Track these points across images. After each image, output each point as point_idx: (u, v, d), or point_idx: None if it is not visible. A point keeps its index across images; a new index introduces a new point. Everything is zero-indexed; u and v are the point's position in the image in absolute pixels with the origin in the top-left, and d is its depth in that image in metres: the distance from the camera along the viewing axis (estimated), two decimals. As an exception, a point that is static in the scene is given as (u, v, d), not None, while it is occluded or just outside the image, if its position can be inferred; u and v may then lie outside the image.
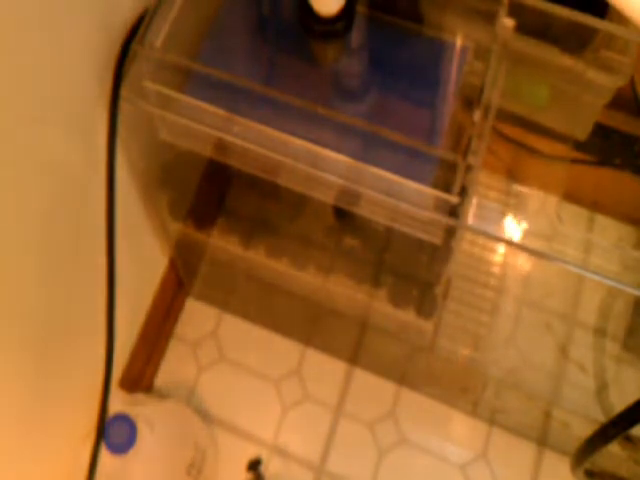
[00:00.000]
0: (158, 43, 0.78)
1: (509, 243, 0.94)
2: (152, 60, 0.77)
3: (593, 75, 0.87)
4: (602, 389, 1.14)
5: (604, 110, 0.92)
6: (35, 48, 0.66)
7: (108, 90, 0.78)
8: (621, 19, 0.74)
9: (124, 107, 0.79)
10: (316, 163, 0.75)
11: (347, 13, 0.78)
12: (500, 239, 0.88)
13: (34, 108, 0.69)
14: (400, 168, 0.74)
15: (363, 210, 0.79)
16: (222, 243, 1.09)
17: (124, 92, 0.78)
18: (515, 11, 0.80)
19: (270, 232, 1.09)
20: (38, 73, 0.68)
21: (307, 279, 1.06)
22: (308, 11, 0.77)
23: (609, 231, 1.13)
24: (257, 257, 1.07)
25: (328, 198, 0.81)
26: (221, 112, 0.76)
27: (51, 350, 0.88)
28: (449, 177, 0.73)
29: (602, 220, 1.13)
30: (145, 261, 1.12)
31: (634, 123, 1.01)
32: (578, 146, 1.00)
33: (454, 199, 0.72)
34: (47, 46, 0.68)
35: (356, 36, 0.82)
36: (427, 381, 1.23)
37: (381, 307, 1.03)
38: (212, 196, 1.13)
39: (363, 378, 1.26)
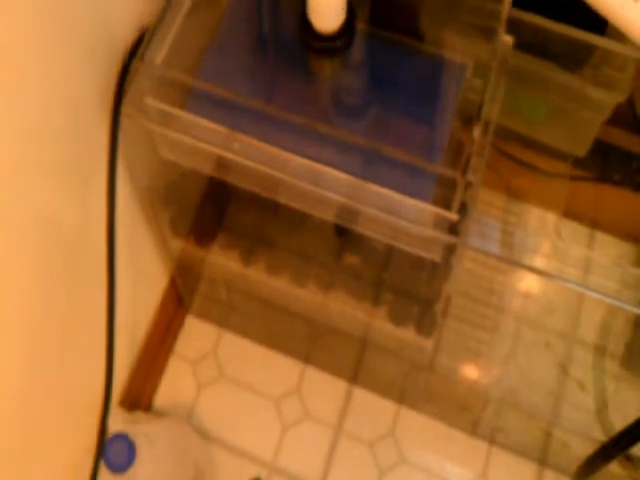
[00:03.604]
0: (159, 60, 0.78)
1: (509, 261, 0.94)
2: (153, 77, 0.77)
3: (592, 92, 0.87)
4: (602, 408, 1.14)
5: (603, 127, 0.92)
6: (35, 65, 0.66)
7: (110, 107, 0.79)
8: (620, 36, 0.74)
9: (125, 124, 0.79)
10: (316, 180, 0.76)
11: (347, 30, 0.78)
12: (500, 257, 0.88)
13: (36, 124, 0.70)
14: (400, 185, 0.74)
15: (363, 227, 0.79)
16: (222, 259, 1.09)
17: (125, 109, 0.78)
18: (514, 28, 0.80)
19: (270, 248, 1.09)
20: (38, 90, 0.68)
21: (307, 296, 1.06)
22: (308, 28, 0.77)
23: (609, 248, 1.13)
24: (257, 273, 1.07)
25: (328, 215, 0.81)
26: (222, 129, 0.76)
27: (50, 368, 0.88)
28: (449, 194, 0.73)
29: (602, 237, 1.13)
30: (145, 278, 1.12)
31: (633, 140, 1.02)
32: (577, 163, 1.00)
33: (454, 216, 0.72)
34: (47, 62, 0.68)
35: (356, 53, 0.82)
36: (427, 400, 1.22)
37: (381, 325, 1.03)
38: (213, 212, 1.13)
39: (363, 397, 1.26)
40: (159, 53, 0.78)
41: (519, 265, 0.89)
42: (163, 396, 1.26)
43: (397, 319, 1.01)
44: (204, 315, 1.29)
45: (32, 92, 0.67)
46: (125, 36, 0.79)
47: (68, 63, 0.72)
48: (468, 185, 0.73)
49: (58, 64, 0.70)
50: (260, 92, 0.83)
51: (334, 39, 0.77)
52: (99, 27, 0.75)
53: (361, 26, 0.82)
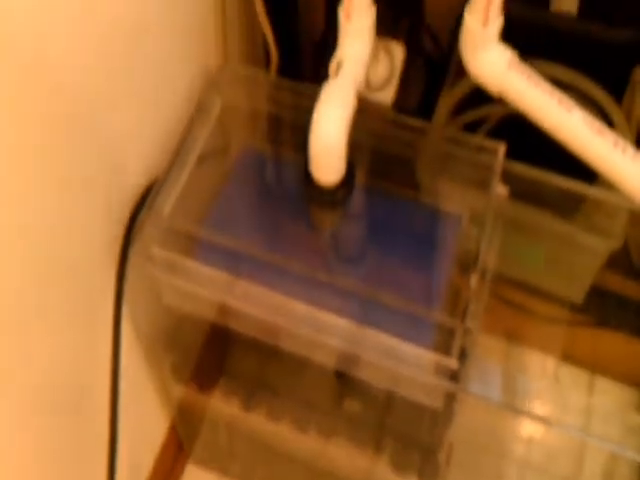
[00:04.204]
0: (167, 210, 0.81)
1: (510, 408, 0.94)
2: (160, 227, 0.79)
3: (585, 239, 0.89)
4: None
5: (600, 272, 0.93)
6: (47, 214, 0.69)
7: (117, 254, 0.81)
8: (611, 184, 0.76)
9: (131, 271, 0.81)
10: (316, 327, 0.77)
11: (347, 182, 0.81)
12: (501, 404, 0.88)
13: (44, 269, 0.71)
14: (399, 332, 0.75)
15: (363, 373, 0.79)
16: (223, 405, 1.09)
17: (132, 257, 0.80)
18: (508, 179, 0.83)
19: (271, 394, 1.09)
20: (49, 236, 0.70)
21: (308, 442, 1.05)
22: (310, 180, 0.80)
23: (610, 393, 1.13)
24: (258, 419, 1.06)
25: (328, 361, 0.81)
26: (225, 277, 0.78)
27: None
28: (448, 341, 0.74)
29: (602, 382, 1.13)
30: (146, 424, 1.11)
31: (630, 285, 1.03)
32: (575, 308, 1.01)
33: (453, 363, 0.73)
34: (59, 209, 0.71)
35: (355, 203, 0.85)
36: None
37: (383, 472, 1.01)
38: (214, 357, 1.13)
39: None
40: (167, 203, 0.81)
41: (521, 412, 0.88)
42: None
43: (399, 467, 0.99)
44: (205, 462, 1.27)
45: (40, 237, 0.69)
46: (135, 186, 0.82)
47: (78, 211, 0.74)
48: (467, 331, 0.74)
49: (68, 211, 0.72)
50: (263, 240, 0.85)
51: (334, 191, 0.80)
52: (109, 177, 0.78)
53: (360, 178, 0.85)
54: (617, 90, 0.84)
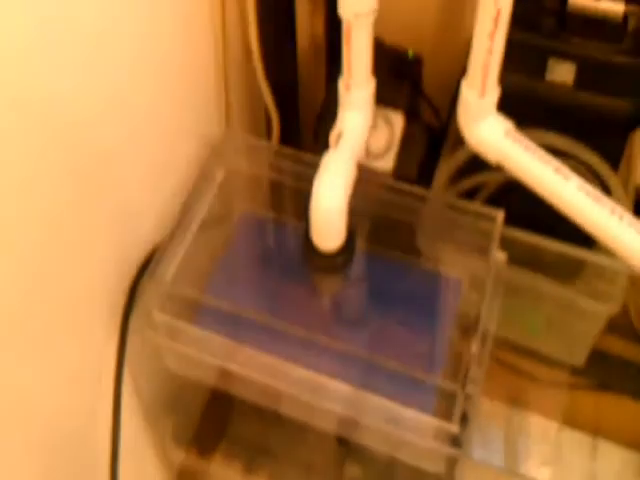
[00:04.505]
0: (168, 277, 0.82)
1: (512, 473, 0.93)
2: (162, 293, 0.80)
3: (585, 303, 0.89)
4: None
5: (600, 335, 0.93)
6: (49, 277, 0.70)
7: (119, 318, 0.81)
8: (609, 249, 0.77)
9: (132, 336, 0.82)
10: (316, 392, 0.77)
11: (348, 248, 0.82)
12: (503, 469, 0.87)
13: (47, 330, 0.72)
14: (400, 396, 0.75)
15: (364, 438, 0.79)
16: (224, 470, 1.08)
17: (134, 321, 0.81)
18: (507, 244, 0.83)
19: (272, 458, 1.08)
20: (52, 299, 0.71)
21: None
22: (310, 246, 0.81)
23: (613, 457, 1.12)
24: (259, 485, 1.06)
25: (329, 426, 0.81)
26: (226, 342, 0.78)
27: None
28: (449, 405, 0.74)
29: (605, 445, 1.12)
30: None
31: (631, 347, 1.03)
32: (576, 371, 1.01)
33: (455, 428, 0.73)
34: (62, 271, 0.72)
35: (356, 268, 0.86)
36: None
37: None
38: (215, 421, 1.13)
39: None
40: (169, 269, 0.82)
41: (523, 477, 0.88)
42: None
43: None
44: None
45: (45, 299, 0.70)
46: (138, 251, 0.84)
47: (81, 274, 0.75)
48: (468, 396, 0.74)
49: (72, 274, 0.73)
50: (264, 305, 0.86)
51: (335, 257, 0.81)
52: (113, 242, 0.79)
53: (361, 243, 0.86)
54: (613, 158, 0.86)
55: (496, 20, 0.66)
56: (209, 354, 0.79)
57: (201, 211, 0.86)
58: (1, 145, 0.58)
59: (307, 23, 1.10)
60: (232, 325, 0.80)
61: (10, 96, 0.57)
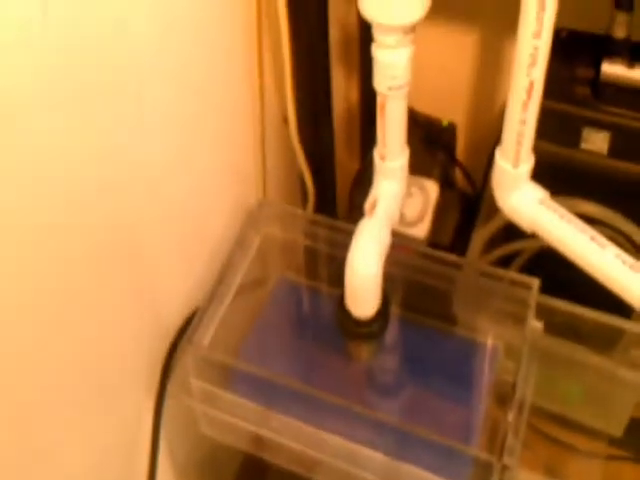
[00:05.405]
0: (206, 341, 0.82)
1: None
2: (199, 358, 0.81)
3: (624, 373, 0.88)
4: None
5: (639, 406, 0.92)
6: (89, 342, 0.71)
7: (156, 383, 0.82)
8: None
9: (169, 400, 0.82)
10: (351, 460, 0.76)
11: (382, 315, 0.82)
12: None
13: (85, 395, 0.73)
14: (435, 467, 0.74)
15: (399, 509, 0.78)
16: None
17: (170, 387, 0.81)
18: (543, 313, 0.83)
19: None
20: (91, 364, 0.72)
21: None
22: (345, 313, 0.81)
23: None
24: None
25: (364, 495, 0.80)
26: (260, 409, 0.78)
27: None
28: (486, 476, 0.73)
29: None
30: None
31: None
32: (614, 442, 0.99)
33: (491, 499, 0.72)
34: (101, 338, 0.73)
35: (391, 335, 0.86)
36: None
37: None
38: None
39: None
40: (206, 334, 0.82)
41: None
42: None
43: None
44: None
45: (84, 364, 0.71)
46: (175, 316, 0.85)
47: (119, 339, 0.76)
48: (505, 467, 0.73)
49: (110, 340, 0.74)
50: (298, 371, 0.86)
51: (370, 324, 0.81)
52: (151, 308, 0.80)
53: (396, 310, 0.86)
54: (650, 226, 0.85)
55: (529, 91, 0.66)
56: (243, 420, 0.79)
57: (238, 276, 0.87)
58: (29, 224, 0.59)
59: (343, 91, 1.12)
60: (266, 391, 0.80)
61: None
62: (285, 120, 0.92)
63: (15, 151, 0.54)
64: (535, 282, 0.82)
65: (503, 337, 0.86)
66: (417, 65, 0.71)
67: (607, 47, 0.83)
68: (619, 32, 0.83)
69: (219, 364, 0.82)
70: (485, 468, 0.73)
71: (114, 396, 0.78)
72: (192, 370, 0.80)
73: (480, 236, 0.90)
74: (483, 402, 0.83)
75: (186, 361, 0.80)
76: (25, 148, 0.55)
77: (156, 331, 0.82)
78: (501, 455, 0.74)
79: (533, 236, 0.76)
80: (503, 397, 0.80)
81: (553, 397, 0.94)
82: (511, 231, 0.81)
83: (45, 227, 0.60)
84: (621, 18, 0.82)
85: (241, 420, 0.79)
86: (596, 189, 0.85)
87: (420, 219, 0.90)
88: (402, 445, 0.76)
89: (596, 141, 0.84)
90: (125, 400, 0.81)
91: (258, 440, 0.81)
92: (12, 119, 0.53)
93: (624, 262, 0.72)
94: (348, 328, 0.82)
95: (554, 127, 0.83)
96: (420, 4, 0.65)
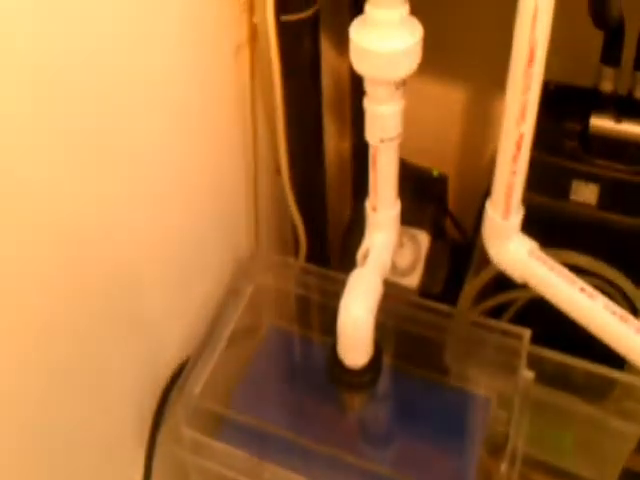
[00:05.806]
0: (197, 390, 0.82)
1: None
2: (190, 407, 0.80)
3: (616, 423, 0.88)
4: None
5: (632, 455, 0.92)
6: (79, 393, 0.71)
7: (147, 433, 0.82)
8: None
9: (160, 450, 0.82)
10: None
11: (374, 365, 0.82)
12: None
13: (77, 446, 0.72)
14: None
15: None
16: None
17: (162, 437, 0.81)
18: (535, 363, 0.83)
19: None
20: (81, 416, 0.72)
21: None
22: (337, 362, 0.81)
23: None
24: None
25: None
26: (252, 459, 0.78)
27: None
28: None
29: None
30: None
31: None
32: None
33: None
34: (92, 387, 0.73)
35: (383, 385, 0.85)
36: None
37: None
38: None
39: None
40: (197, 383, 0.82)
41: None
42: None
43: None
44: None
45: (75, 417, 0.70)
46: (167, 366, 0.85)
47: (110, 389, 0.76)
48: (499, 518, 0.73)
49: (100, 389, 0.74)
50: (290, 421, 0.86)
51: (362, 374, 0.81)
52: (143, 357, 0.80)
53: (388, 360, 0.86)
54: (638, 276, 0.86)
55: (519, 144, 0.67)
56: (233, 470, 0.78)
57: (230, 325, 0.87)
58: (26, 264, 0.59)
59: (335, 142, 1.14)
60: (257, 440, 0.79)
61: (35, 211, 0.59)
62: (278, 171, 0.93)
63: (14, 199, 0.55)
64: (526, 332, 0.82)
65: (495, 387, 0.86)
66: (408, 117, 0.72)
67: (595, 101, 0.85)
68: (606, 86, 0.84)
69: (210, 413, 0.82)
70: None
71: (105, 447, 0.78)
72: (183, 419, 0.79)
73: (471, 286, 0.90)
74: (475, 452, 0.83)
75: (177, 410, 0.80)
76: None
77: (148, 380, 0.82)
78: (494, 508, 0.73)
79: (524, 286, 0.77)
80: (495, 447, 0.80)
81: (545, 447, 0.94)
82: (502, 281, 0.81)
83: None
84: (608, 72, 0.84)
85: (232, 470, 0.79)
86: (585, 240, 0.86)
87: (412, 269, 0.91)
88: (394, 496, 0.76)
89: (585, 193, 0.85)
90: (115, 450, 0.80)
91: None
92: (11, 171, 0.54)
93: (614, 313, 0.72)
94: (340, 378, 0.82)
95: (544, 179, 0.84)
96: (410, 59, 0.66)
